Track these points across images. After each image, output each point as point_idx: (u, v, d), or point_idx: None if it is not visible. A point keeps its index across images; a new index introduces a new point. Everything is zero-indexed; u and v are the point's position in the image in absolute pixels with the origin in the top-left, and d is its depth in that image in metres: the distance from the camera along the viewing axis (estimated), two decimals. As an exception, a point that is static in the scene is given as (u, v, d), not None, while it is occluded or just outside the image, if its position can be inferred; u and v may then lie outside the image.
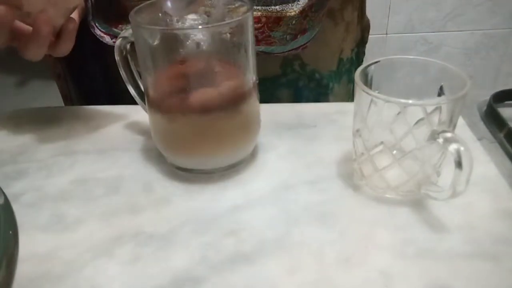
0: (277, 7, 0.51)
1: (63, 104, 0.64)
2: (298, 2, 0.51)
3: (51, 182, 0.41)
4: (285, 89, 0.58)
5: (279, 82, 0.58)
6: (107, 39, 0.52)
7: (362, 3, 0.63)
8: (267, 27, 0.51)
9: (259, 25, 0.51)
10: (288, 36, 0.53)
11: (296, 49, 0.54)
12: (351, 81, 0.65)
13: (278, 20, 0.51)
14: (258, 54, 0.52)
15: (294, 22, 0.52)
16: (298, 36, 0.53)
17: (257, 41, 0.52)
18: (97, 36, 0.52)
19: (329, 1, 0.55)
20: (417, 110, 0.32)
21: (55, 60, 0.61)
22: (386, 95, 0.33)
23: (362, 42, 0.66)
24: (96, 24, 0.52)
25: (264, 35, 0.52)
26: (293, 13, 0.51)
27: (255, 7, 0.50)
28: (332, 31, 0.59)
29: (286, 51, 0.54)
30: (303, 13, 0.51)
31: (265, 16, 0.51)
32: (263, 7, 0.50)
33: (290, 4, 0.51)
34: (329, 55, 0.61)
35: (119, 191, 0.40)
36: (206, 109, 0.37)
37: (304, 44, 0.54)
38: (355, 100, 0.36)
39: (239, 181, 0.40)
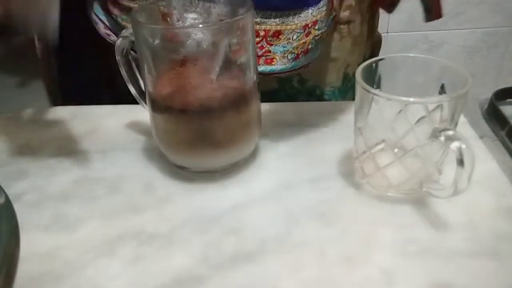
0: (276, 19, 0.49)
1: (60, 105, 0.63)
2: (300, 15, 0.49)
3: (52, 182, 0.41)
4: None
5: (276, 96, 0.56)
6: (100, 26, 0.51)
7: (373, 17, 0.61)
8: (266, 41, 0.49)
9: (258, 39, 0.49)
10: (289, 55, 0.51)
11: (297, 69, 0.52)
12: None
13: (277, 33, 0.49)
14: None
15: (295, 37, 0.50)
16: (300, 56, 0.51)
17: (257, 57, 0.50)
18: (92, 22, 0.51)
19: (335, 17, 0.53)
20: (418, 108, 0.32)
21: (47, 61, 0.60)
22: (387, 93, 0.32)
23: (372, 57, 0.64)
24: (94, 10, 0.51)
25: (263, 50, 0.50)
26: (293, 26, 0.49)
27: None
28: (337, 45, 0.57)
29: (287, 71, 0.52)
30: (306, 29, 0.50)
31: (264, 30, 0.49)
32: (261, 19, 0.48)
33: (291, 17, 0.49)
34: (332, 70, 0.58)
35: (120, 190, 0.40)
36: (207, 108, 0.37)
37: (307, 64, 0.53)
38: (356, 98, 0.36)
39: (240, 180, 0.40)
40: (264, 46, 0.50)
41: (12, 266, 0.32)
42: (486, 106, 0.84)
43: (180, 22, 0.40)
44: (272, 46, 0.50)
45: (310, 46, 0.51)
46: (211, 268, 0.32)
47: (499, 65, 1.48)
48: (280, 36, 0.50)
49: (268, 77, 0.53)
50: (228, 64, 0.37)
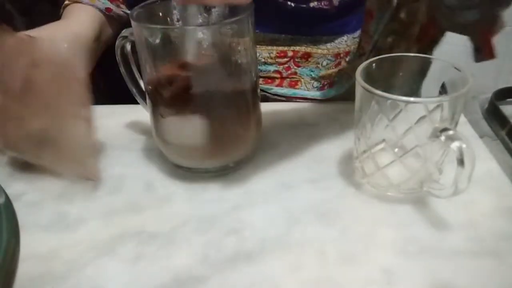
0: (308, 42, 0.47)
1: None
2: (334, 41, 0.47)
3: (53, 181, 0.41)
4: None
5: None
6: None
7: (423, 47, 0.55)
8: (294, 62, 0.48)
9: (285, 59, 0.47)
10: (315, 83, 0.49)
11: (319, 99, 0.50)
12: None
13: (306, 55, 0.47)
14: (277, 98, 0.48)
15: (325, 63, 0.48)
16: (325, 87, 0.49)
17: (281, 79, 0.48)
18: None
19: (365, 56, 0.50)
20: (418, 107, 0.32)
21: None
22: (387, 93, 0.32)
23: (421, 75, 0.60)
24: None
25: (289, 71, 0.48)
26: (325, 51, 0.47)
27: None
28: None
29: (308, 98, 0.50)
30: (338, 57, 0.48)
31: (292, 50, 0.47)
32: (292, 41, 0.46)
33: (323, 42, 0.47)
34: None
35: (121, 190, 0.40)
36: (207, 108, 0.37)
37: (331, 98, 0.50)
38: (356, 98, 0.36)
39: (240, 180, 0.40)
40: (291, 67, 0.48)
41: (12, 266, 0.32)
42: (486, 105, 0.84)
43: (179, 22, 0.40)
44: (299, 68, 0.48)
45: (335, 79, 0.49)
46: (211, 268, 0.32)
47: (500, 65, 1.48)
48: (309, 59, 0.48)
49: (290, 99, 0.51)
50: (229, 64, 0.37)
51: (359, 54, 0.50)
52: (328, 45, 0.47)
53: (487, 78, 1.49)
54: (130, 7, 0.54)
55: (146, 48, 0.36)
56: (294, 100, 0.51)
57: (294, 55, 0.47)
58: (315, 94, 0.50)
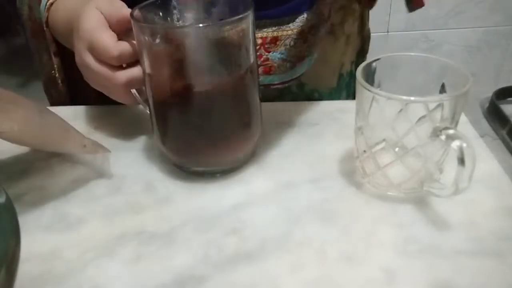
0: (272, 26, 0.49)
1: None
2: (296, 21, 0.49)
3: (53, 182, 0.41)
4: None
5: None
6: None
7: (363, 12, 0.61)
8: (264, 49, 0.49)
9: (256, 48, 0.48)
10: (288, 64, 0.50)
11: (296, 78, 0.52)
12: (350, 95, 0.63)
13: (275, 40, 0.49)
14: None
15: (292, 43, 0.50)
16: (297, 64, 0.51)
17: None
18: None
19: (328, 22, 0.53)
20: (419, 107, 0.32)
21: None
22: (388, 92, 0.32)
23: (362, 52, 0.64)
24: None
25: (262, 58, 0.50)
26: (289, 32, 0.49)
27: None
28: (333, 47, 0.57)
29: (286, 81, 0.52)
30: (303, 35, 0.49)
31: (261, 37, 0.49)
32: (258, 28, 0.48)
33: (286, 23, 0.49)
34: (329, 72, 0.59)
35: (121, 190, 0.40)
36: (207, 108, 0.37)
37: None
38: (356, 98, 0.36)
39: (241, 179, 0.40)
40: (263, 54, 0.50)
41: (13, 266, 0.32)
42: (487, 105, 0.84)
43: (180, 22, 0.40)
44: (270, 53, 0.50)
45: (305, 54, 0.51)
46: (212, 267, 0.32)
47: (500, 64, 1.48)
48: (277, 42, 0.49)
49: (268, 87, 0.53)
50: (229, 64, 0.37)
51: (323, 21, 0.52)
52: (291, 25, 0.49)
53: (487, 78, 1.49)
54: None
55: (146, 48, 0.36)
56: (270, 87, 0.52)
57: (263, 42, 0.49)
58: (290, 74, 0.51)
